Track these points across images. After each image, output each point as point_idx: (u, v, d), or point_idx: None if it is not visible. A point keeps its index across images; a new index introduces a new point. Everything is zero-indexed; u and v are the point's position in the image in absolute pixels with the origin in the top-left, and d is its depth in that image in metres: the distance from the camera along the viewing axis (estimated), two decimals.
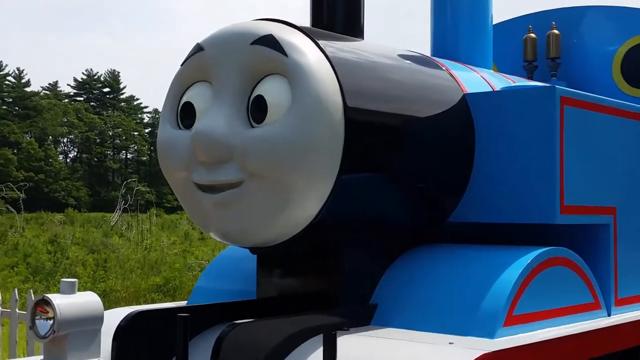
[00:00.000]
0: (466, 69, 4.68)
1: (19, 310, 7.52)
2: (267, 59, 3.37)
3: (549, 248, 3.83)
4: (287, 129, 3.29)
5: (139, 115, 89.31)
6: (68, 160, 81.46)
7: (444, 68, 4.36)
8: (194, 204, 3.60)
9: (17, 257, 20.02)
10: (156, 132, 3.85)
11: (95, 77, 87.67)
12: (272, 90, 3.36)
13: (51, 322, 3.36)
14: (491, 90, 4.53)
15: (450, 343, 3.27)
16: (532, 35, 6.34)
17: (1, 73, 79.56)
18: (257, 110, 3.38)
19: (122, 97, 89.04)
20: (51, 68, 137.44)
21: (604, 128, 4.34)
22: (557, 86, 4.04)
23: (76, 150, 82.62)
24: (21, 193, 34.74)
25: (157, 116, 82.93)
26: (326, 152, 3.36)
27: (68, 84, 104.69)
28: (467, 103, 4.17)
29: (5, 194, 36.26)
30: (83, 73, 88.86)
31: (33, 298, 6.73)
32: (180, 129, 3.65)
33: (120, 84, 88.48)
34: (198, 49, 3.61)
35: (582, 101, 4.16)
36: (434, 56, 4.77)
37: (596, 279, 4.12)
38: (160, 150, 3.74)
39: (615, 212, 4.35)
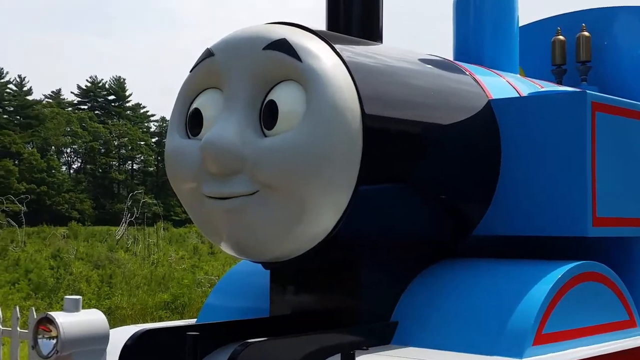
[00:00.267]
0: (491, 74, 4.67)
1: (20, 329, 7.54)
2: (281, 65, 3.38)
3: (580, 262, 3.80)
4: (301, 137, 3.29)
5: (146, 124, 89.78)
6: (71, 171, 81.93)
7: (467, 73, 4.35)
8: (204, 215, 3.61)
9: (18, 273, 20.12)
10: (163, 142, 3.89)
11: (100, 84, 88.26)
12: (286, 97, 3.37)
13: (54, 341, 3.38)
14: (518, 95, 4.52)
15: None
16: (561, 37, 6.31)
17: (2, 81, 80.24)
18: (270, 116, 3.39)
19: (127, 105, 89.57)
20: (53, 74, 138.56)
21: (638, 135, 4.31)
22: (588, 91, 4.02)
23: (80, 160, 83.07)
24: (23, 206, 34.94)
25: (164, 125, 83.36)
26: (343, 162, 3.35)
27: (71, 92, 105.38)
28: (492, 109, 4.16)
29: (6, 207, 36.49)
30: (87, 80, 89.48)
31: (35, 316, 6.76)
32: (189, 137, 3.66)
33: (125, 91, 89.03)
34: (208, 54, 3.62)
35: (614, 107, 4.14)
36: (456, 60, 4.76)
37: (631, 295, 4.09)
38: (168, 160, 3.75)
39: None
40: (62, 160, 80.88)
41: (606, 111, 4.05)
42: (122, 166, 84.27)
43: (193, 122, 3.65)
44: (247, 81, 3.44)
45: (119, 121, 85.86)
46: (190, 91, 3.70)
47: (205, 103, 3.62)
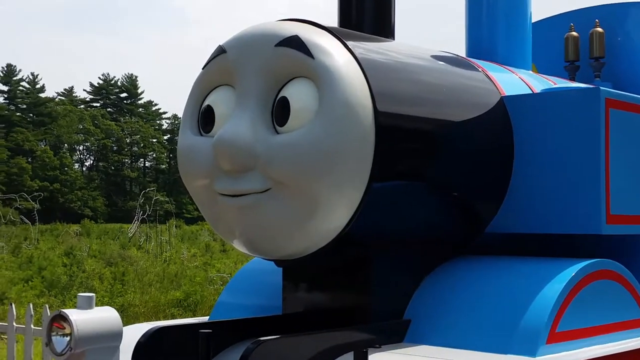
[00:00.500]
0: (504, 70, 4.66)
1: (34, 326, 7.59)
2: (293, 61, 3.38)
3: (594, 260, 3.78)
4: (313, 134, 3.29)
5: (158, 122, 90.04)
6: (84, 169, 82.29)
7: (480, 69, 4.34)
8: (216, 212, 3.61)
9: (31, 271, 20.22)
10: (175, 139, 3.90)
11: (112, 82, 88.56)
12: (298, 94, 3.37)
13: (68, 338, 3.38)
14: (531, 92, 4.50)
15: None
16: (574, 33, 6.28)
17: (15, 78, 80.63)
18: (282, 113, 3.39)
19: (139, 102, 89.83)
20: (66, 72, 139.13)
21: None
22: (601, 87, 4.00)
23: (92, 158, 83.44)
24: (36, 203, 35.12)
25: (176, 122, 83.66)
26: (355, 160, 3.35)
27: (84, 90, 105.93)
28: (505, 106, 4.15)
29: (20, 205, 36.69)
30: (99, 78, 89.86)
31: (49, 313, 6.79)
32: (201, 135, 3.67)
33: (138, 88, 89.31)
34: (220, 51, 3.63)
35: (628, 103, 4.11)
36: (469, 57, 4.75)
37: None
38: (180, 157, 3.76)
39: None
40: (75, 157, 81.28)
41: (620, 108, 4.02)
42: (134, 164, 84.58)
43: (205, 119, 3.65)
44: (259, 78, 3.44)
45: (131, 119, 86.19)
46: (203, 88, 3.70)
47: (218, 100, 3.62)
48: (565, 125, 3.98)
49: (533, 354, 3.36)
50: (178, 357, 3.59)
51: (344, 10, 3.95)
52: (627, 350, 3.72)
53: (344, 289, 3.81)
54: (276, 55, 3.41)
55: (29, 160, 71.22)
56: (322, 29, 3.52)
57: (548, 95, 4.18)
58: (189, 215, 62.40)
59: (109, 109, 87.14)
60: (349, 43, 3.48)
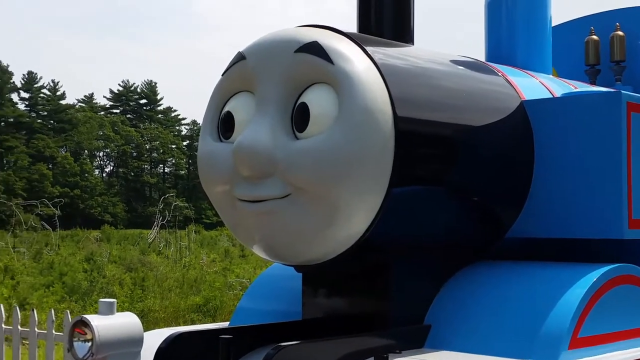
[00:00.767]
0: (524, 75, 4.64)
1: (55, 331, 7.63)
2: (312, 67, 3.38)
3: (616, 265, 3.76)
4: (333, 140, 3.29)
5: (177, 127, 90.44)
6: (104, 175, 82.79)
7: (499, 74, 4.33)
8: (236, 218, 3.62)
9: (52, 276, 20.37)
10: (194, 145, 3.93)
11: (132, 88, 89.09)
12: (318, 100, 3.37)
13: (89, 344, 3.40)
14: (551, 96, 4.48)
15: None
16: (595, 37, 6.25)
17: (36, 86, 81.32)
18: (301, 119, 3.39)
19: (159, 108, 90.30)
20: (86, 79, 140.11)
21: None
22: (622, 91, 3.98)
23: (112, 164, 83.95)
24: (56, 210, 35.40)
25: (195, 128, 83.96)
26: (375, 165, 3.35)
27: (104, 96, 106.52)
28: (525, 111, 4.13)
29: (41, 211, 36.99)
30: (119, 84, 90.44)
31: (70, 319, 6.84)
32: (221, 141, 3.68)
33: (157, 95, 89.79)
34: (240, 57, 3.64)
35: None
36: (488, 61, 4.73)
37: None
38: (200, 163, 3.77)
39: None
40: (95, 163, 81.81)
41: None
42: (153, 169, 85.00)
43: (225, 125, 3.66)
44: (279, 84, 3.45)
45: (151, 125, 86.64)
46: (223, 94, 3.72)
47: (237, 106, 3.64)
48: (586, 129, 3.96)
49: None
50: None
51: (363, 16, 3.95)
52: None
53: (363, 294, 3.80)
54: (296, 61, 3.42)
55: (50, 166, 71.78)
56: (342, 34, 3.53)
57: (569, 99, 4.16)
58: (208, 221, 62.60)
59: (128, 116, 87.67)
60: (369, 49, 3.49)
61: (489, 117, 3.96)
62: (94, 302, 15.90)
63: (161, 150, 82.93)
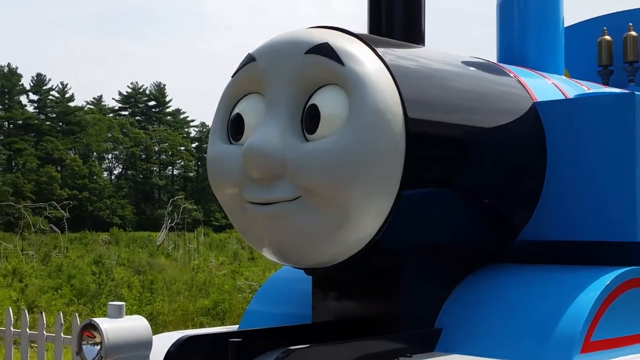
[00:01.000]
0: (536, 76, 4.63)
1: (64, 334, 7.66)
2: (323, 69, 3.39)
3: (629, 268, 3.74)
4: (343, 142, 3.29)
5: (186, 130, 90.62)
6: (113, 177, 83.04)
7: (511, 75, 4.32)
8: (245, 221, 3.63)
9: (61, 279, 20.43)
10: (203, 147, 3.95)
11: (141, 90, 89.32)
12: (328, 101, 3.37)
13: (98, 347, 3.41)
14: (564, 97, 4.47)
15: None
16: (608, 37, 6.23)
17: (45, 88, 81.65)
18: (311, 121, 3.39)
19: (167, 110, 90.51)
20: (95, 81, 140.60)
21: None
22: (636, 92, 3.96)
23: (121, 166, 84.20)
24: (65, 212, 35.54)
25: (204, 130, 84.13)
26: (386, 167, 3.35)
27: (113, 98, 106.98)
28: (537, 112, 4.12)
29: (49, 213, 37.12)
30: (128, 86, 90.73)
31: (79, 322, 6.85)
32: (231, 143, 3.69)
33: (166, 97, 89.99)
34: (249, 59, 3.64)
35: None
36: (500, 62, 4.72)
37: None
38: (210, 166, 3.78)
39: None
40: (104, 166, 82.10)
41: None
42: (162, 172, 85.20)
43: (235, 127, 3.67)
44: (289, 86, 3.45)
45: (160, 127, 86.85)
46: (232, 96, 3.72)
47: (247, 108, 3.64)
48: (599, 131, 3.94)
49: None
50: None
51: (374, 17, 3.95)
52: None
53: (374, 297, 3.80)
54: (306, 63, 3.42)
55: (59, 169, 72.05)
56: (352, 36, 3.53)
57: (582, 100, 4.15)
58: (217, 223, 62.72)
59: (137, 117, 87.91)
60: (379, 50, 3.49)
61: (501, 119, 3.96)
62: (102, 305, 15.94)
63: (170, 153, 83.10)
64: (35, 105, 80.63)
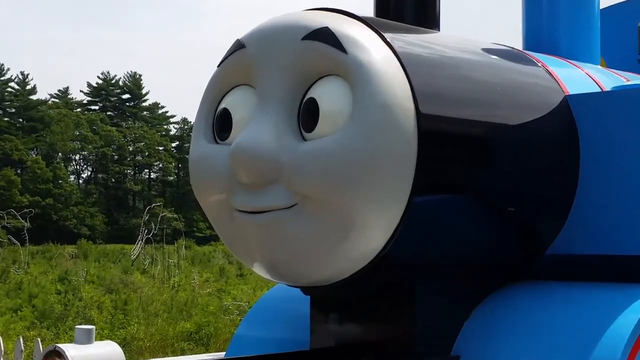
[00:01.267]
0: (567, 65, 4.65)
1: None
2: (322, 57, 3.40)
3: None
4: (346, 141, 3.30)
5: (165, 127, 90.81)
6: (81, 181, 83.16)
7: (539, 64, 4.34)
8: (233, 231, 3.64)
9: (21, 299, 20.48)
10: (185, 147, 3.97)
11: (113, 81, 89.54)
12: (328, 95, 3.38)
13: None
14: (599, 90, 4.49)
15: None
16: None
17: (2, 79, 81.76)
18: (310, 117, 3.41)
19: (144, 104, 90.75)
20: (60, 71, 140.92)
21: None
22: None
23: (90, 169, 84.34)
24: (26, 221, 35.60)
25: (185, 127, 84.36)
26: (395, 170, 3.36)
27: (81, 91, 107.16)
28: (569, 107, 4.14)
29: (7, 223, 37.15)
30: (98, 77, 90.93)
31: (42, 349, 6.85)
32: (216, 142, 3.70)
33: (142, 89, 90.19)
34: (238, 46, 3.66)
35: None
36: (526, 50, 4.75)
37: None
38: (192, 168, 3.79)
39: None
40: (70, 168, 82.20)
41: None
42: (138, 175, 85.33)
43: (221, 124, 3.68)
44: (284, 77, 3.46)
45: (135, 123, 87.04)
46: (218, 89, 3.74)
47: (235, 102, 3.65)
48: (639, 128, 3.96)
49: None
50: None
51: None
52: None
53: (382, 319, 3.81)
54: (303, 50, 3.43)
55: (18, 171, 72.16)
56: (356, 19, 3.54)
57: (620, 93, 4.17)
58: (200, 235, 62.88)
59: (109, 113, 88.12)
60: (387, 35, 3.50)
61: (527, 115, 3.97)
62: (68, 329, 15.96)
63: (147, 153, 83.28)
64: None
